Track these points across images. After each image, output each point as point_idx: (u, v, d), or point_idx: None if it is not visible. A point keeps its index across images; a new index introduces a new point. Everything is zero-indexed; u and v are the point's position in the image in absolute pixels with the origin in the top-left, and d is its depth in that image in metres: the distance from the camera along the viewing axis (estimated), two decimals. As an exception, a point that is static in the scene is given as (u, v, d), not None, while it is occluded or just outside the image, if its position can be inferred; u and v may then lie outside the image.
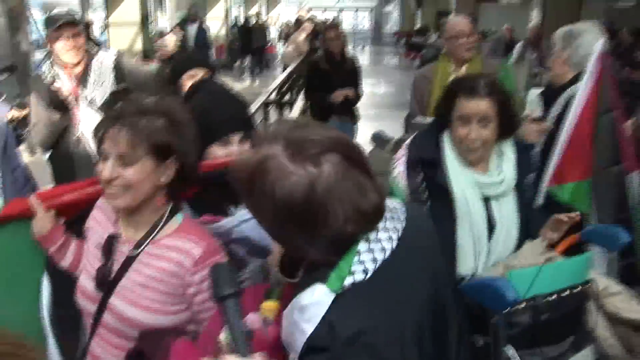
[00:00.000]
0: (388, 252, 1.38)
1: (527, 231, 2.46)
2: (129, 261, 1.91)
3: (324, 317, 1.30)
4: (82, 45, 3.83)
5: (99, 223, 2.04)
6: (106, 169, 1.82)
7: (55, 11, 3.90)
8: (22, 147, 4.07)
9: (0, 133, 3.19)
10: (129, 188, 1.83)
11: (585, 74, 3.00)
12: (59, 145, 3.94)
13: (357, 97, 6.16)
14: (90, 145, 3.71)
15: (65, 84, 3.83)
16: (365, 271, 1.34)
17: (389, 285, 1.37)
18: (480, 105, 2.36)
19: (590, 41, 3.21)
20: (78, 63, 3.85)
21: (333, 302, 1.32)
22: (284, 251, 1.48)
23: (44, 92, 3.82)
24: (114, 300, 1.91)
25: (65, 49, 3.76)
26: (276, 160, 1.31)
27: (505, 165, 2.47)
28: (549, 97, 3.37)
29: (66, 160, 3.90)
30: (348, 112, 6.18)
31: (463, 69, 4.00)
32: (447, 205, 2.41)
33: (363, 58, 29.09)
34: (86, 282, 1.99)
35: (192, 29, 13.93)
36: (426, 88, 4.14)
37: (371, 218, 1.37)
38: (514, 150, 2.51)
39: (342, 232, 1.33)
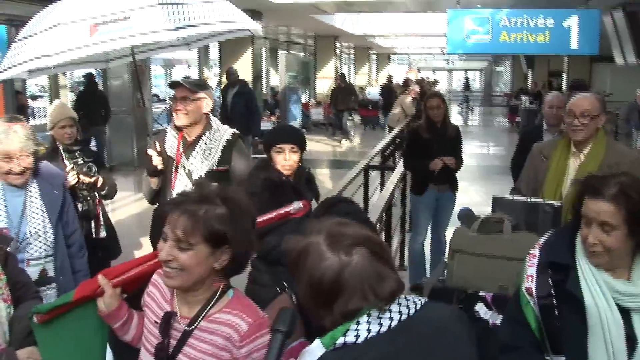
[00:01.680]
0: (384, 328, 1.64)
1: None
2: (184, 337, 2.02)
3: None
4: (191, 112, 3.81)
5: (154, 300, 2.15)
6: (163, 251, 1.95)
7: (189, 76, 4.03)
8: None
9: (56, 199, 3.39)
10: (183, 271, 1.95)
11: None
12: (158, 204, 3.99)
13: (458, 166, 6.06)
14: None
15: (171, 148, 3.88)
16: (357, 336, 1.62)
17: (376, 353, 1.61)
18: (602, 209, 2.14)
19: None
20: (189, 127, 3.85)
21: (323, 355, 1.62)
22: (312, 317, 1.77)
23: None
24: None
25: (175, 111, 3.83)
26: (317, 247, 1.68)
27: None
28: None
29: (159, 220, 3.99)
30: (447, 181, 6.10)
31: (583, 155, 3.70)
32: (579, 314, 2.17)
33: (472, 119, 28.86)
34: (146, 358, 2.10)
35: (231, 94, 11.69)
36: (541, 166, 3.88)
37: (386, 300, 1.66)
38: None
39: (357, 308, 1.64)
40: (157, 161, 3.80)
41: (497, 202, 3.60)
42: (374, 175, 8.33)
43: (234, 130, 4.03)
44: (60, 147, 4.51)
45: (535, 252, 2.38)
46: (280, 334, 1.71)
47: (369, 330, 1.63)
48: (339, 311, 1.64)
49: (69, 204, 3.53)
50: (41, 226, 3.26)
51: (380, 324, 1.64)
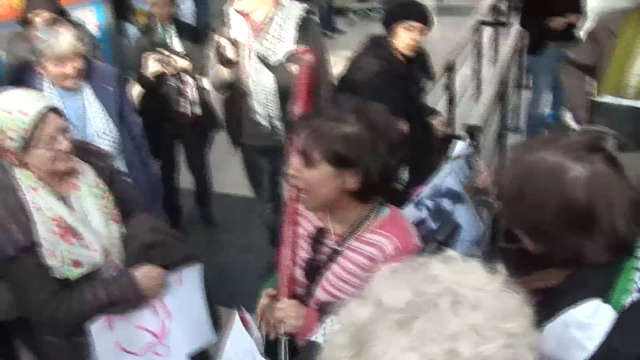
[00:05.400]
0: None
1: None
2: (334, 255, 1.99)
3: (606, 337, 1.29)
4: None
5: (305, 217, 2.10)
6: (291, 165, 1.88)
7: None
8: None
9: (111, 95, 3.30)
10: (308, 190, 1.88)
11: None
12: (232, 93, 3.82)
13: (580, 21, 5.53)
14: (259, 101, 3.66)
15: (241, 35, 3.62)
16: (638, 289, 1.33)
17: None
18: None
19: None
20: (254, 11, 3.57)
21: (620, 320, 1.30)
22: (544, 250, 1.44)
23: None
24: (317, 291, 2.01)
25: None
26: (550, 160, 1.36)
27: None
28: None
29: (233, 110, 3.85)
30: (570, 37, 5.59)
31: None
32: None
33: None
34: (297, 272, 2.08)
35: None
36: (607, 43, 3.10)
37: None
38: None
39: (620, 230, 1.34)
40: (232, 52, 3.55)
41: (596, 107, 2.85)
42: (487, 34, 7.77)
43: (304, 4, 3.70)
44: (158, 24, 4.50)
45: None
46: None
47: None
48: (609, 233, 1.34)
49: (125, 98, 3.47)
50: (105, 125, 3.25)
51: None
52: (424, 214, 2.32)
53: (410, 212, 2.33)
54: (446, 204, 2.39)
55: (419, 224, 2.32)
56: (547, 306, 1.33)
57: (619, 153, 2.49)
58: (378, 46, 3.37)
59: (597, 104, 2.90)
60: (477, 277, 0.93)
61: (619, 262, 1.36)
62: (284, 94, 3.49)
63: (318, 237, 2.02)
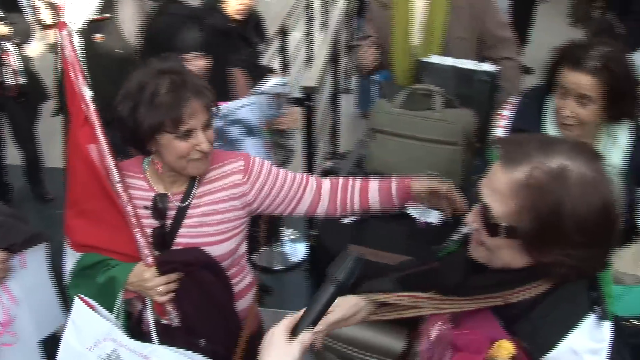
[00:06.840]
0: None
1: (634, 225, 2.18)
2: (181, 212, 1.97)
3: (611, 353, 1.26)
4: None
5: (138, 187, 2.01)
6: (205, 143, 1.87)
7: None
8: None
9: None
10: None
11: None
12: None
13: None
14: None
15: None
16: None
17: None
18: (582, 81, 2.04)
19: None
20: None
21: (615, 328, 1.29)
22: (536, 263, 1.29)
23: None
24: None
25: None
26: (576, 172, 1.21)
27: (613, 151, 2.15)
28: None
29: (59, 77, 3.81)
30: None
31: None
32: None
33: None
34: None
35: None
36: (381, 18, 3.20)
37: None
38: (630, 136, 2.18)
39: (615, 244, 1.30)
40: (47, 15, 3.66)
41: (423, 67, 2.99)
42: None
43: None
44: None
45: (507, 112, 2.30)
46: (333, 285, 1.33)
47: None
48: (603, 253, 1.29)
49: None
50: None
51: None
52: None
53: None
54: (235, 131, 2.45)
55: None
56: (532, 329, 1.28)
57: (445, 109, 2.72)
58: (204, 7, 3.27)
59: (424, 63, 3.01)
60: None
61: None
62: (91, 62, 3.51)
63: (158, 205, 1.96)
